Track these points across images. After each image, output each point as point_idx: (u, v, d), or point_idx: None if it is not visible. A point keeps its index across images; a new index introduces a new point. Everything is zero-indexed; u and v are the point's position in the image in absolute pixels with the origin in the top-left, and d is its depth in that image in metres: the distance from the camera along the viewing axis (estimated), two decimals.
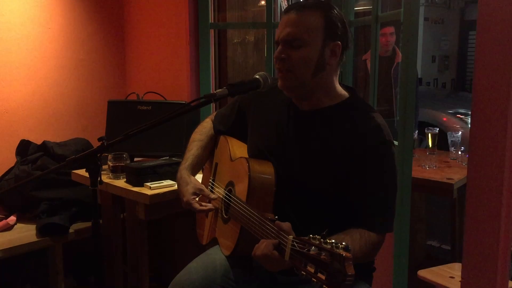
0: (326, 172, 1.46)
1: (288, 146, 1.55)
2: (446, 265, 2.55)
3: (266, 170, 1.52)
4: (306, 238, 1.12)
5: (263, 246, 1.27)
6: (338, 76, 1.54)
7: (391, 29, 4.18)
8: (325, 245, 1.06)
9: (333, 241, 1.06)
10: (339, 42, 1.47)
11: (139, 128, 1.41)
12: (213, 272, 1.61)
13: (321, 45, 1.45)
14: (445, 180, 2.82)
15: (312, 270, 1.07)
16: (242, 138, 1.75)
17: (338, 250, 1.04)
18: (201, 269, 1.62)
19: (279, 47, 1.48)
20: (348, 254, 1.03)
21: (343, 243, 1.05)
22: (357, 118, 1.48)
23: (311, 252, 1.08)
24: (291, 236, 1.18)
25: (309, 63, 1.45)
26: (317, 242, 1.08)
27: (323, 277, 1.05)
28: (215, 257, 1.67)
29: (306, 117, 1.54)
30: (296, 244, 1.14)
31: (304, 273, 1.10)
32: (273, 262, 1.24)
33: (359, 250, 1.33)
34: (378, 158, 1.43)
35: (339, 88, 1.55)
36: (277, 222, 1.27)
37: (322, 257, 1.05)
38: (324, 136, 1.49)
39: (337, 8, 1.52)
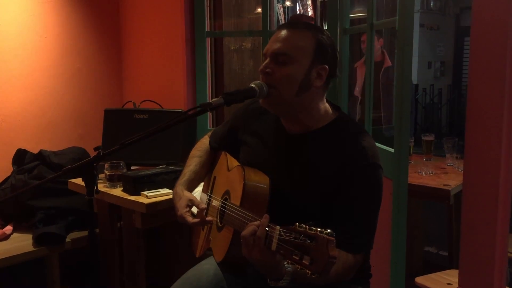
0: (313, 196, 1.47)
1: (276, 169, 1.55)
2: (444, 271, 2.55)
3: (261, 180, 1.52)
4: (293, 226, 1.14)
5: (250, 227, 1.27)
6: (323, 100, 1.54)
7: None
8: (310, 231, 1.09)
9: (318, 228, 1.09)
10: (326, 66, 1.47)
11: (135, 137, 1.41)
12: (206, 282, 1.61)
13: (308, 65, 1.45)
14: (441, 187, 2.83)
15: (297, 258, 1.09)
16: (234, 156, 1.76)
17: (322, 235, 1.07)
18: (195, 279, 1.63)
19: (266, 60, 1.48)
20: (331, 238, 1.06)
21: (328, 230, 1.08)
22: (342, 140, 1.48)
23: (297, 240, 1.10)
24: (279, 226, 1.19)
25: (293, 81, 1.44)
26: (303, 229, 1.11)
27: (307, 262, 1.07)
28: (209, 267, 1.67)
29: (294, 141, 1.54)
30: (283, 233, 1.15)
31: (289, 261, 1.12)
32: (260, 252, 1.23)
33: (335, 272, 1.30)
34: (361, 181, 1.43)
35: (325, 108, 1.54)
36: (267, 215, 1.27)
37: (307, 243, 1.08)
38: (311, 161, 1.49)
39: (329, 34, 1.53)
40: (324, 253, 1.05)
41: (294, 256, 1.10)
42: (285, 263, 1.22)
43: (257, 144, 1.65)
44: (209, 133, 1.95)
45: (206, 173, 1.88)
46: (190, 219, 1.62)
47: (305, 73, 1.45)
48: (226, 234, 1.55)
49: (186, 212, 1.63)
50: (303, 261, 1.08)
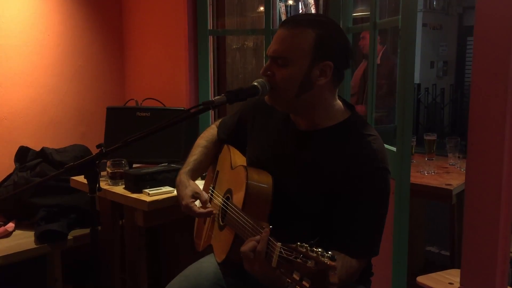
0: (317, 194, 1.44)
1: (282, 164, 1.53)
2: (445, 271, 2.55)
3: (263, 180, 1.51)
4: (294, 245, 1.12)
5: (250, 242, 1.26)
6: (334, 96, 1.50)
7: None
8: (311, 253, 1.07)
9: (319, 249, 1.07)
10: (330, 62, 1.41)
11: (138, 135, 1.41)
12: (205, 280, 1.62)
13: (307, 65, 1.40)
14: (443, 186, 2.83)
15: (298, 278, 1.08)
16: (241, 148, 1.75)
17: (323, 259, 1.05)
18: (193, 277, 1.63)
19: (267, 62, 1.46)
20: (333, 263, 1.04)
21: (329, 253, 1.06)
22: (352, 142, 1.44)
23: (298, 260, 1.09)
24: (280, 243, 1.17)
25: (292, 83, 1.42)
26: (304, 250, 1.09)
27: (307, 285, 1.06)
28: (208, 265, 1.67)
29: (303, 137, 1.51)
30: (283, 251, 1.14)
31: (289, 280, 1.11)
32: (261, 267, 1.22)
33: (338, 279, 1.31)
34: (368, 185, 1.40)
35: (338, 106, 1.51)
36: (267, 229, 1.25)
37: (308, 264, 1.06)
38: (318, 158, 1.46)
39: (337, 25, 1.48)
40: (324, 280, 1.04)
41: (294, 276, 1.09)
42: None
43: (265, 139, 1.63)
44: (217, 123, 1.92)
45: (210, 164, 1.86)
46: (196, 208, 1.62)
47: (305, 74, 1.41)
48: (228, 235, 1.55)
49: (192, 202, 1.63)
50: (303, 282, 1.07)
